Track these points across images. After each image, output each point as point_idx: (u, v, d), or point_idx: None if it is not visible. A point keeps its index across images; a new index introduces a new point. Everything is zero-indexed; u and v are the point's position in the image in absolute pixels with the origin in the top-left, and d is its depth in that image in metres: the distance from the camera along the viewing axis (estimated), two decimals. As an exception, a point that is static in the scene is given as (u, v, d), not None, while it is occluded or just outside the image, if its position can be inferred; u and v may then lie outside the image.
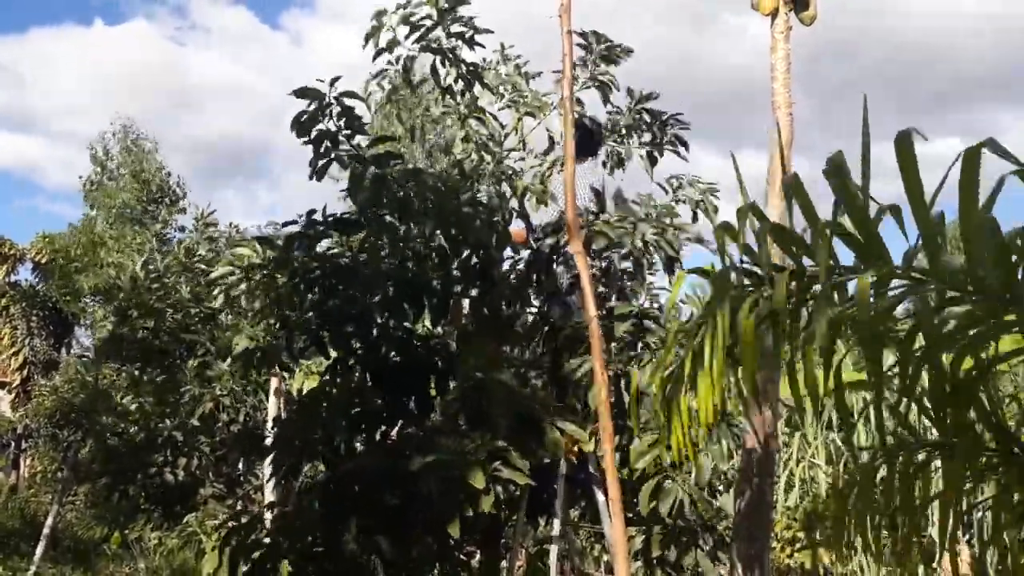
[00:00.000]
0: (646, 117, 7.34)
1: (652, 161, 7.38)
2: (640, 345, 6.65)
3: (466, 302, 6.48)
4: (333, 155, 6.24)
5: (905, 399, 2.51)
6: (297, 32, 73.95)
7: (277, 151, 53.09)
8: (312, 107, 6.16)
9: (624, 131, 7.37)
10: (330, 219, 6.32)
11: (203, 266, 11.17)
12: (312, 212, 6.30)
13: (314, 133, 6.20)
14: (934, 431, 2.86)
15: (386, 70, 7.23)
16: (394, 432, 6.41)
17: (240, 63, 66.33)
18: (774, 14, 5.91)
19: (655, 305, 6.69)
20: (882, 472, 2.92)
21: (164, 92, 54.39)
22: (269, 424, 11.04)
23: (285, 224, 6.32)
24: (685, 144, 7.32)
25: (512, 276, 6.84)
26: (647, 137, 7.39)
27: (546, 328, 6.70)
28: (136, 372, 11.78)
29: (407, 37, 6.73)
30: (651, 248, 6.71)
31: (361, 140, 6.34)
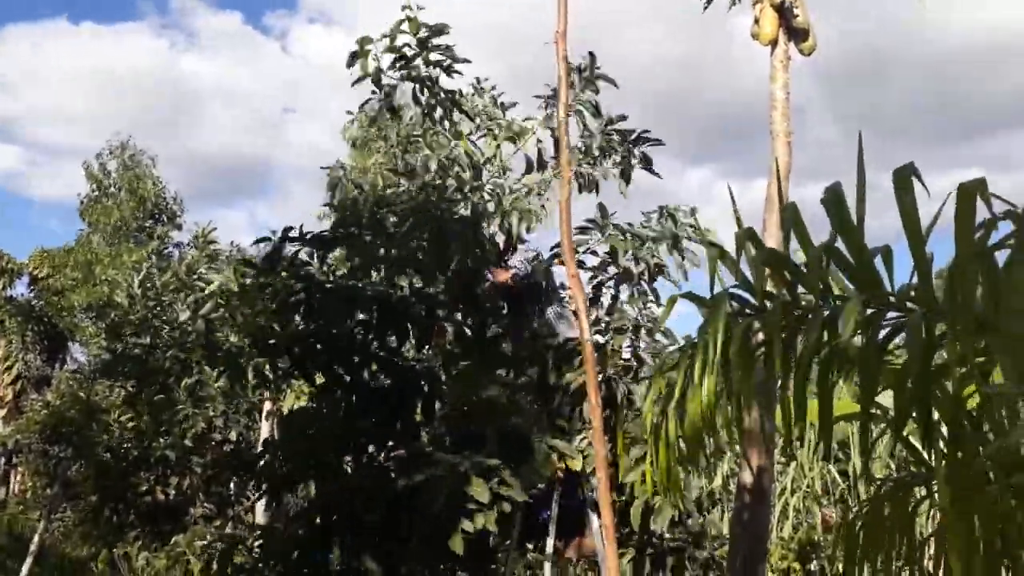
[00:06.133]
0: (616, 138, 7.48)
1: (626, 180, 7.56)
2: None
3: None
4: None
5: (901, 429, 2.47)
6: (282, 31, 74.90)
7: (275, 164, 53.40)
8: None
9: (597, 153, 7.52)
10: (307, 236, 6.30)
11: (202, 284, 11.17)
12: (288, 229, 6.28)
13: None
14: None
15: (369, 99, 7.34)
16: (382, 454, 6.37)
17: (228, 66, 67.12)
18: (773, 44, 5.96)
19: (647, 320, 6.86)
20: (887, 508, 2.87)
21: (154, 99, 54.75)
22: (260, 445, 10.97)
23: (257, 241, 6.33)
24: (650, 166, 7.54)
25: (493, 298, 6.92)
26: (618, 157, 7.55)
27: (534, 345, 6.75)
28: (131, 389, 11.71)
29: (390, 67, 6.82)
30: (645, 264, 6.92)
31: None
